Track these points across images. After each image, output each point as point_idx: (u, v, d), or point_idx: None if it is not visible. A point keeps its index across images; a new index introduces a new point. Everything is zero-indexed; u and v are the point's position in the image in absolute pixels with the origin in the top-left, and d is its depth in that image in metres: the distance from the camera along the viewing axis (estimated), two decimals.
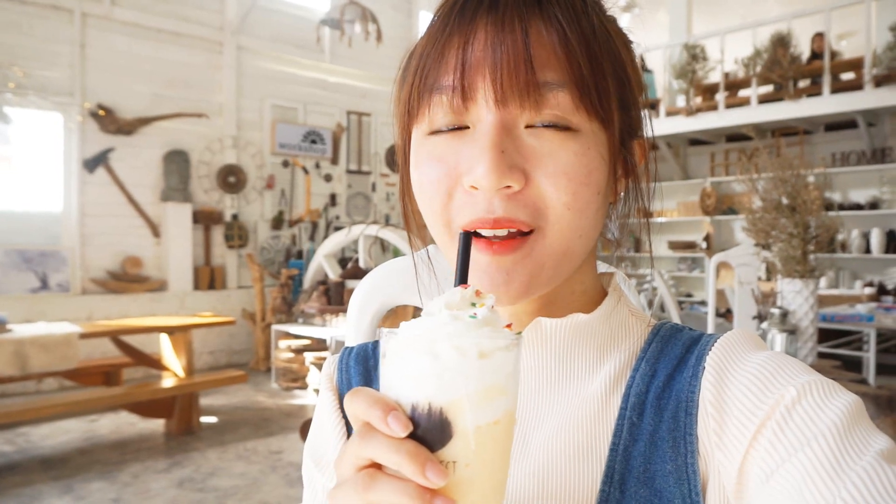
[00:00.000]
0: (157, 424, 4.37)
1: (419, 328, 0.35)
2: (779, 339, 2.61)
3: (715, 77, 7.39)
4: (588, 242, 0.47)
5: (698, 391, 0.45)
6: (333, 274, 5.66)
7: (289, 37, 7.28)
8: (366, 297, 0.94)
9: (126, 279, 6.03)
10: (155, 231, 6.29)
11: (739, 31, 7.26)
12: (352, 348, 0.61)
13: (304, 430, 3.30)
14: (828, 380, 0.42)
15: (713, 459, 0.43)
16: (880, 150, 6.96)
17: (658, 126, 7.54)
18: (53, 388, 5.39)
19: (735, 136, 7.88)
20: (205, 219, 6.57)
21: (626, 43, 0.50)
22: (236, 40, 6.82)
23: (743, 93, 7.41)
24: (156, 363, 4.50)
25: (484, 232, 0.44)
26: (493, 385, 0.34)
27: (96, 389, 4.45)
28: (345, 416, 0.56)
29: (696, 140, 8.39)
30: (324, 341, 5.44)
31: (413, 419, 0.34)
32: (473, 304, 0.36)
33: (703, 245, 8.10)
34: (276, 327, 5.78)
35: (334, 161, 7.78)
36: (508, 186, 0.43)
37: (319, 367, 5.32)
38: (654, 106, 7.74)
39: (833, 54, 6.78)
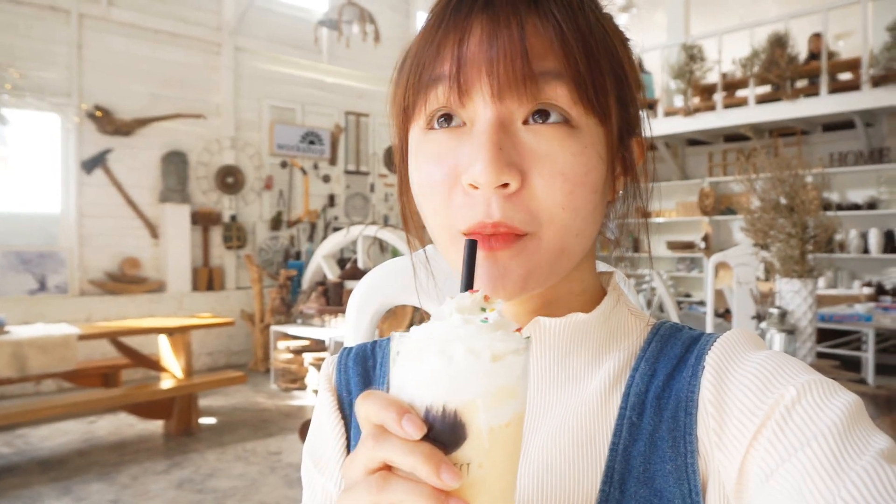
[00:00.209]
0: (155, 426, 4.36)
1: (432, 331, 0.35)
2: (777, 338, 2.61)
3: (713, 77, 7.40)
4: (585, 241, 0.47)
5: (698, 390, 0.45)
6: (332, 274, 5.66)
7: (286, 37, 7.28)
8: (364, 297, 0.94)
9: (124, 280, 6.02)
10: (153, 232, 6.28)
11: (737, 32, 7.28)
12: (350, 349, 0.61)
13: (304, 430, 3.29)
14: (828, 379, 0.42)
15: (713, 459, 0.43)
16: (878, 151, 6.97)
17: (656, 126, 7.55)
18: (52, 389, 5.38)
19: (733, 136, 7.89)
20: (203, 220, 6.57)
21: (623, 41, 0.50)
22: (234, 41, 6.82)
23: (741, 93, 7.42)
24: (154, 364, 4.49)
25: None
26: (505, 387, 0.35)
27: (95, 391, 4.44)
28: (344, 417, 0.56)
29: (694, 140, 8.40)
30: (323, 342, 5.44)
31: (427, 421, 0.34)
32: (483, 309, 0.37)
33: (702, 245, 8.11)
34: (274, 328, 5.77)
35: (332, 162, 7.78)
36: (506, 185, 0.42)
37: (318, 367, 5.31)
38: (652, 106, 7.75)
39: (830, 54, 6.80)
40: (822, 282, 6.73)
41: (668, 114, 7.71)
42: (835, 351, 5.23)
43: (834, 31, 7.96)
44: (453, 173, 0.45)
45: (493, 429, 0.34)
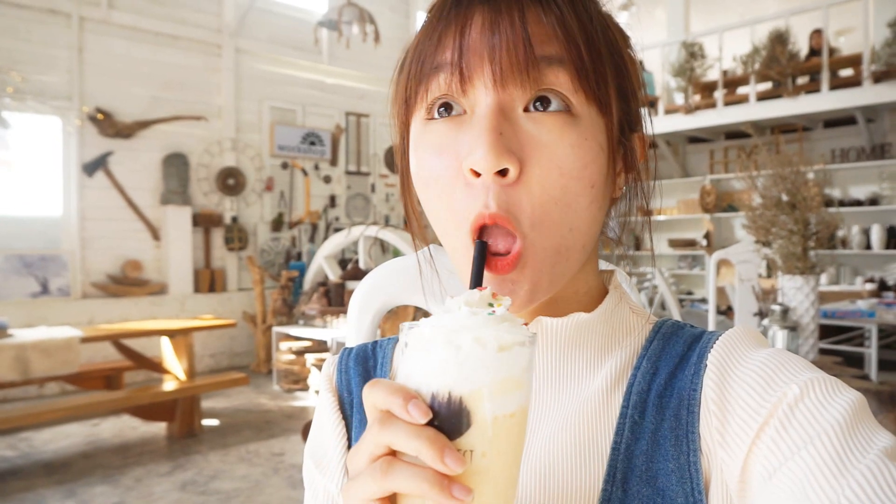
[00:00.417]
0: (158, 428, 4.37)
1: (440, 322, 0.36)
2: (780, 335, 2.61)
3: (713, 75, 7.39)
4: (581, 237, 0.46)
5: (700, 389, 0.45)
6: (333, 275, 5.66)
7: (287, 38, 7.28)
8: (366, 297, 0.94)
9: (126, 283, 6.03)
10: (155, 234, 6.29)
11: (737, 29, 7.27)
12: (351, 349, 0.61)
13: (306, 431, 3.30)
14: (831, 377, 0.42)
15: (716, 457, 0.43)
16: (879, 146, 6.96)
17: (657, 124, 7.54)
18: (55, 392, 5.39)
19: (734, 133, 7.88)
20: (204, 221, 6.57)
21: (624, 36, 0.50)
22: (234, 43, 6.82)
23: (741, 90, 7.41)
24: (157, 366, 4.49)
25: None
26: (510, 377, 0.35)
27: (98, 393, 4.45)
28: (345, 418, 0.56)
29: (695, 138, 8.39)
30: (325, 343, 5.44)
31: (432, 408, 0.34)
32: (491, 305, 0.38)
33: (704, 243, 8.10)
34: (276, 329, 5.78)
35: (333, 162, 7.78)
36: (505, 172, 0.42)
37: (321, 368, 5.31)
38: (653, 104, 7.75)
39: (831, 51, 6.79)
40: (824, 278, 6.72)
41: (669, 111, 7.71)
42: (837, 347, 5.22)
43: (835, 27, 7.94)
44: (455, 163, 0.45)
45: (498, 418, 0.35)
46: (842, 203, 6.97)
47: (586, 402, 0.48)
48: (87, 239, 5.90)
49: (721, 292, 5.47)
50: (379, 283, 0.93)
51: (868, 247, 6.88)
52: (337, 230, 7.24)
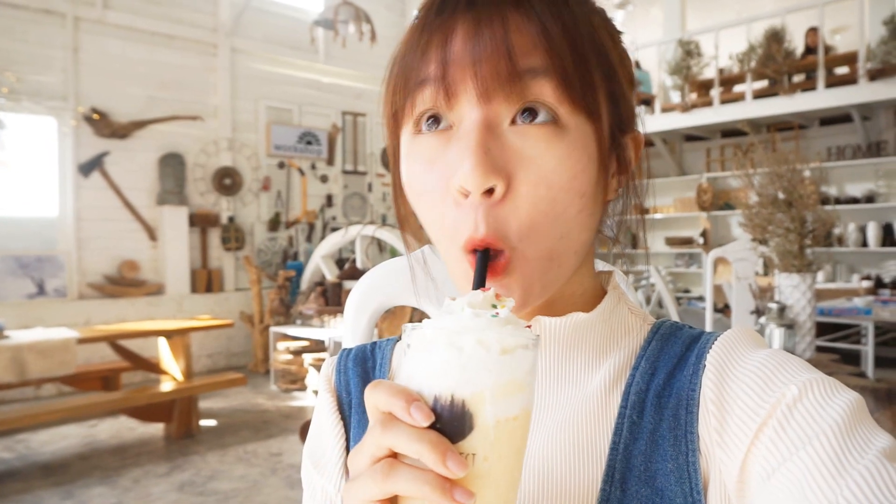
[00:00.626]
0: (156, 428, 4.36)
1: (442, 324, 0.36)
2: (777, 333, 2.61)
3: (709, 73, 7.40)
4: (573, 243, 0.46)
5: (699, 389, 0.45)
6: (331, 275, 5.65)
7: (282, 38, 7.27)
8: (363, 297, 0.93)
9: (123, 283, 6.02)
10: (151, 234, 6.28)
11: (733, 27, 7.28)
12: (350, 350, 0.61)
13: (304, 431, 3.29)
14: (829, 378, 0.42)
15: (714, 458, 0.43)
16: (875, 144, 6.98)
17: (653, 122, 7.55)
18: (52, 393, 5.37)
19: (730, 131, 7.89)
20: (201, 221, 6.56)
21: (614, 36, 0.49)
22: (230, 42, 6.81)
23: (738, 88, 7.43)
24: (154, 367, 4.49)
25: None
26: (513, 380, 0.35)
27: (95, 394, 4.44)
28: (343, 419, 0.56)
29: (691, 136, 8.40)
30: (322, 342, 5.44)
31: (434, 410, 0.34)
32: (494, 306, 0.37)
33: (700, 241, 8.12)
34: (274, 329, 5.77)
35: (330, 162, 7.77)
36: (492, 190, 0.42)
37: (318, 368, 5.31)
38: (649, 102, 7.75)
39: (827, 49, 6.80)
40: (820, 276, 6.74)
41: (665, 110, 7.71)
42: (834, 345, 5.24)
43: (830, 25, 7.96)
44: (444, 178, 0.44)
45: (500, 421, 0.34)
46: (838, 201, 6.99)
47: (585, 402, 0.48)
48: (84, 239, 5.89)
49: (718, 290, 5.48)
50: (376, 282, 0.93)
51: (864, 244, 6.90)
52: (334, 230, 7.24)
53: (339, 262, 6.33)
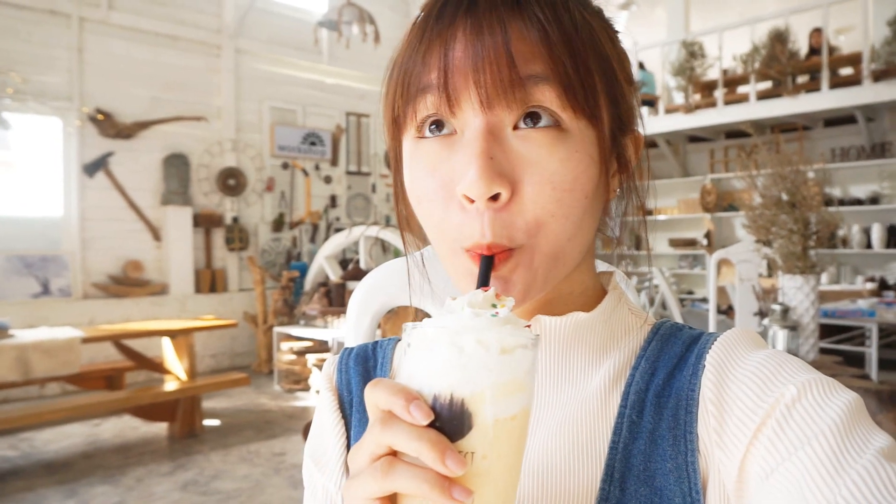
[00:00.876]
0: (159, 428, 4.37)
1: (443, 323, 0.36)
2: (780, 335, 2.61)
3: (713, 74, 7.39)
4: (579, 245, 0.47)
5: (698, 389, 0.45)
6: (334, 275, 5.66)
7: (287, 39, 7.29)
8: (365, 297, 0.94)
9: (127, 283, 6.04)
10: (155, 235, 6.30)
11: (737, 28, 7.26)
12: (351, 349, 0.61)
13: (307, 431, 3.29)
14: (828, 378, 0.42)
15: (713, 458, 0.43)
16: (880, 145, 6.96)
17: (657, 123, 7.54)
18: (56, 392, 5.39)
19: (734, 132, 7.88)
20: (205, 222, 6.58)
21: (612, 36, 0.49)
22: (234, 43, 6.82)
23: (741, 89, 7.41)
24: (158, 367, 4.50)
25: None
26: (512, 380, 0.35)
27: (99, 394, 4.45)
28: (344, 417, 0.56)
29: (695, 137, 8.39)
30: (326, 343, 5.44)
31: (434, 409, 0.34)
32: (494, 305, 0.38)
33: (704, 242, 8.10)
34: (277, 329, 5.78)
35: (334, 162, 7.78)
36: (497, 196, 0.42)
37: (322, 368, 5.31)
38: (653, 103, 7.74)
39: (831, 50, 6.79)
40: (824, 277, 6.72)
41: (669, 111, 7.70)
42: (838, 347, 5.22)
43: (834, 25, 7.94)
44: (448, 186, 0.44)
45: (499, 421, 0.35)
46: (842, 202, 6.96)
47: (584, 402, 0.48)
48: (88, 239, 5.91)
49: (721, 292, 5.47)
50: (379, 283, 0.93)
51: (868, 246, 6.88)
52: (338, 230, 7.25)
53: (343, 263, 6.34)
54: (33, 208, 5.80)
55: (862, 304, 5.23)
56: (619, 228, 0.55)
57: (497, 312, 0.37)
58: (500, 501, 0.35)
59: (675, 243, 8.42)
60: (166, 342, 4.47)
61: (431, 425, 0.34)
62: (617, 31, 0.50)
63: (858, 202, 7.00)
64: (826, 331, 5.04)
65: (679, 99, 7.77)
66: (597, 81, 0.45)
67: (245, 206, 7.00)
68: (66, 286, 5.66)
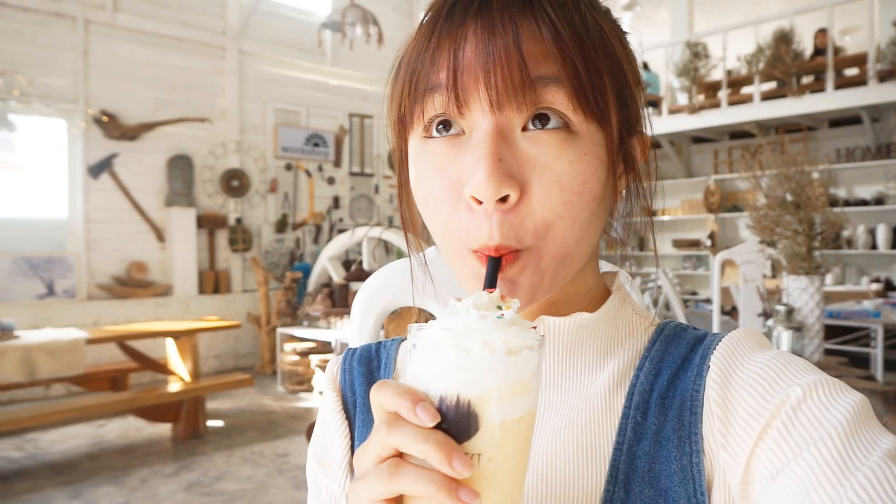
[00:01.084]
0: (163, 429, 4.38)
1: (448, 325, 0.36)
2: (785, 336, 2.60)
3: (717, 74, 7.37)
4: (585, 247, 0.47)
5: (703, 390, 0.45)
6: (337, 276, 5.67)
7: (290, 40, 7.30)
8: (369, 298, 0.94)
9: (131, 284, 6.05)
10: (159, 236, 6.31)
11: (742, 28, 7.24)
12: (355, 349, 0.61)
13: (311, 432, 3.29)
14: (834, 379, 0.42)
15: (718, 459, 0.43)
16: (885, 146, 6.93)
17: (661, 124, 7.52)
18: (61, 393, 5.41)
19: (738, 133, 7.85)
20: (209, 223, 6.59)
21: (622, 37, 0.49)
22: (238, 45, 6.84)
23: (746, 90, 7.39)
24: (162, 368, 4.51)
25: None
26: (519, 381, 0.35)
27: (103, 395, 4.46)
28: (348, 418, 0.56)
29: (699, 138, 8.37)
30: (329, 344, 5.44)
31: (440, 411, 0.34)
32: (499, 307, 0.38)
33: (708, 243, 8.08)
34: (281, 330, 5.79)
35: (337, 164, 7.79)
36: (506, 197, 0.42)
37: (325, 369, 5.31)
38: (656, 104, 7.72)
39: (836, 50, 6.76)
40: (829, 278, 6.69)
41: (673, 111, 7.69)
42: (843, 347, 5.20)
43: (839, 26, 7.92)
44: (456, 186, 0.44)
45: (506, 423, 0.34)
46: (847, 203, 6.93)
47: (589, 402, 0.48)
48: (93, 241, 5.93)
49: (725, 293, 5.46)
50: (382, 284, 0.93)
51: (874, 247, 6.85)
52: (341, 231, 7.26)
53: (346, 264, 6.34)
54: (38, 210, 5.83)
55: (867, 304, 5.21)
56: (622, 229, 0.55)
57: (502, 314, 0.36)
58: (507, 502, 0.35)
59: (678, 244, 8.40)
60: (170, 343, 4.48)
61: (438, 427, 0.34)
62: (626, 32, 0.50)
63: (864, 203, 6.97)
64: (831, 332, 5.02)
65: (683, 99, 7.75)
66: (607, 84, 0.44)
67: (249, 207, 7.01)
68: (71, 287, 5.68)
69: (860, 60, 6.53)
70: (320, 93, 7.66)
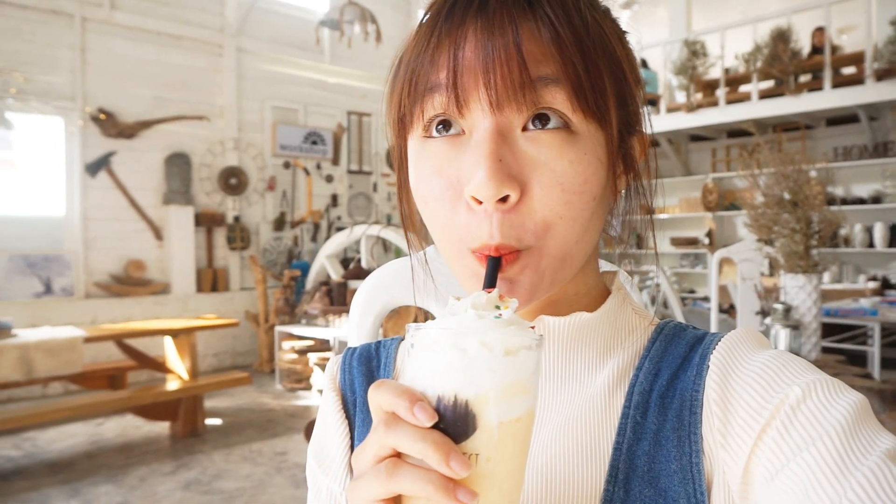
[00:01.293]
0: (162, 427, 4.38)
1: (446, 325, 0.36)
2: (782, 334, 2.61)
3: (715, 73, 7.38)
4: (586, 246, 0.47)
5: (702, 390, 0.45)
6: (336, 275, 5.66)
7: (288, 38, 7.29)
8: (368, 297, 0.94)
9: (129, 282, 6.05)
10: (157, 234, 6.30)
11: (740, 27, 7.25)
12: (355, 349, 0.61)
13: (309, 430, 3.30)
14: (833, 379, 0.42)
15: (718, 459, 0.43)
16: (882, 145, 6.94)
17: (659, 122, 7.52)
18: (59, 392, 5.40)
19: (736, 131, 7.86)
20: (207, 221, 6.58)
21: (621, 37, 0.49)
22: (236, 42, 6.83)
23: (743, 88, 7.39)
24: (160, 366, 4.51)
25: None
26: (516, 382, 0.35)
27: (101, 393, 4.46)
28: (348, 417, 0.56)
29: (697, 136, 8.38)
30: (327, 342, 5.44)
31: (438, 411, 0.34)
32: (498, 307, 0.38)
33: (706, 241, 8.09)
34: (279, 329, 5.79)
35: (335, 162, 7.78)
36: (506, 197, 0.42)
37: (323, 367, 5.32)
38: (655, 102, 7.73)
39: (834, 49, 6.77)
40: (826, 276, 6.71)
41: (671, 110, 7.69)
42: (840, 346, 5.21)
43: (837, 25, 7.92)
44: (456, 186, 0.44)
45: (504, 423, 0.34)
46: (844, 201, 6.95)
47: (588, 402, 0.48)
48: (90, 239, 5.92)
49: (723, 291, 5.47)
50: (381, 282, 0.93)
51: (871, 245, 6.86)
52: (339, 229, 7.24)
53: (344, 262, 6.34)
54: (36, 208, 5.81)
55: (864, 303, 5.22)
56: (621, 227, 0.55)
57: (500, 314, 0.36)
58: (505, 502, 0.35)
59: (676, 242, 8.41)
60: (168, 341, 4.48)
61: (435, 427, 0.34)
62: (625, 32, 0.50)
63: (861, 201, 6.98)
64: (828, 330, 5.03)
65: (681, 98, 7.76)
66: (607, 83, 0.44)
67: (247, 205, 7.00)
68: (69, 286, 5.67)
69: (857, 59, 6.54)
70: (318, 91, 7.65)
